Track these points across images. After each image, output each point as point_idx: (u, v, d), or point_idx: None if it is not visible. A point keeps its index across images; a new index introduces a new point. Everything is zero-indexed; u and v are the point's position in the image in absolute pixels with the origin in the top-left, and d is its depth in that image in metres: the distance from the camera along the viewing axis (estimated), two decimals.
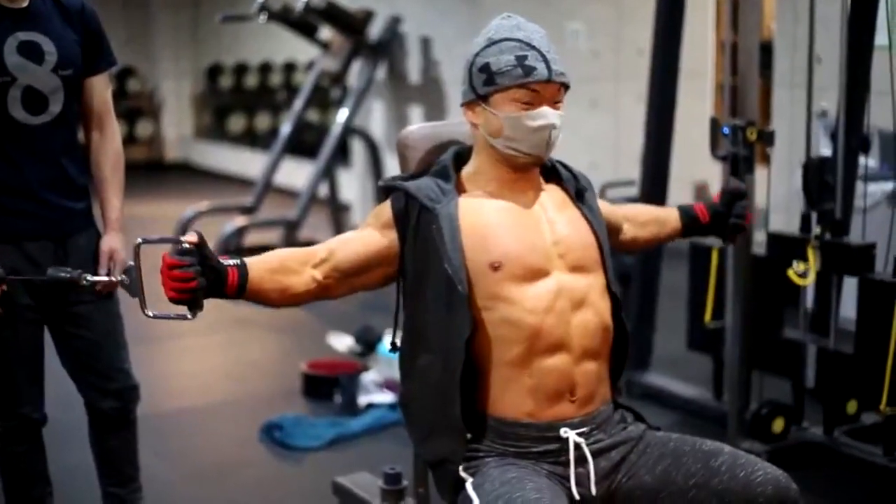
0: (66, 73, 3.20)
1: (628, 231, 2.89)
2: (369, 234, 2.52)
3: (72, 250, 3.26)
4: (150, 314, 2.36)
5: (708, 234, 3.05)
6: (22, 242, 3.19)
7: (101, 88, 3.36)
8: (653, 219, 2.96)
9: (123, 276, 2.40)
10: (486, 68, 2.49)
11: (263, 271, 2.40)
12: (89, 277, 2.56)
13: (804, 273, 4.14)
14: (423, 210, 2.47)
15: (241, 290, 2.37)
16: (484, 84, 2.49)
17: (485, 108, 2.50)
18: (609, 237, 2.71)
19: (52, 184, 3.22)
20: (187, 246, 2.26)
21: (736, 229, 2.99)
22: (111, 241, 3.32)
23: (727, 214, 2.97)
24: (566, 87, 2.52)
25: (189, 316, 2.31)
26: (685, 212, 2.98)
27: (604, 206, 2.79)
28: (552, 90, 2.48)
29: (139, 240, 2.36)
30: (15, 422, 3.31)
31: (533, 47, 2.48)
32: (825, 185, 4.20)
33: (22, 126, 3.16)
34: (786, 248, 4.31)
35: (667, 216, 2.98)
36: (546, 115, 2.47)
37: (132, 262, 2.40)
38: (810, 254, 4.14)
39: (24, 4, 3.16)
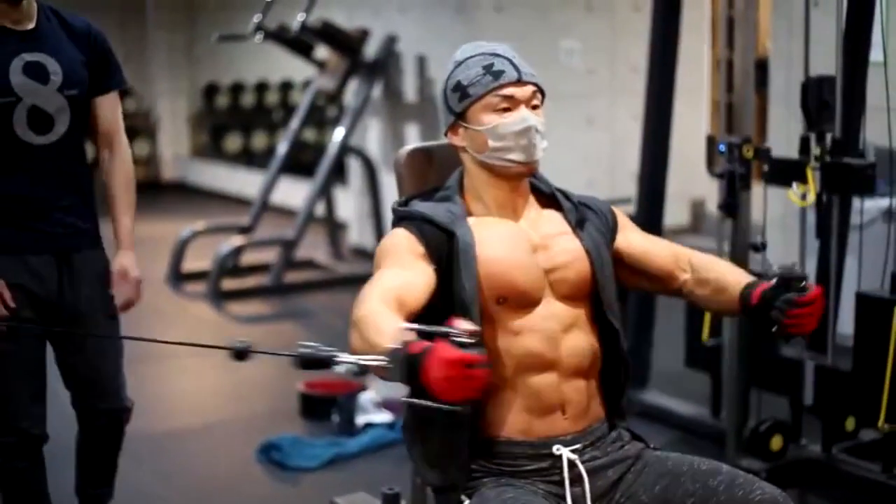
0: (72, 92, 3.23)
1: (687, 282, 2.64)
2: (422, 272, 2.41)
3: (78, 268, 3.30)
4: (420, 403, 2.06)
5: (760, 322, 2.49)
6: (26, 255, 3.22)
7: (110, 108, 3.39)
8: (714, 279, 2.60)
9: (388, 360, 2.11)
10: (458, 86, 2.52)
11: None
12: (342, 358, 2.17)
13: (804, 195, 4.05)
14: (446, 236, 2.46)
15: None
16: (459, 100, 2.52)
17: (466, 126, 2.52)
18: (648, 279, 2.68)
19: (57, 202, 3.25)
20: (468, 340, 2.04)
21: (780, 325, 2.43)
22: (123, 260, 3.36)
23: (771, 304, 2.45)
24: (542, 92, 2.54)
25: (461, 408, 2.07)
26: (746, 288, 2.52)
27: (660, 246, 2.70)
28: (526, 93, 2.50)
29: (405, 327, 2.14)
30: (14, 437, 3.32)
31: (498, 55, 2.52)
32: (824, 104, 4.07)
33: (27, 145, 3.19)
34: (785, 171, 4.15)
35: (729, 284, 2.56)
36: (525, 117, 2.48)
37: (398, 346, 2.07)
38: (809, 175, 4.04)
39: (31, 26, 3.21)
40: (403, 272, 2.39)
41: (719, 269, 2.64)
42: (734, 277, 2.58)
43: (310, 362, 2.21)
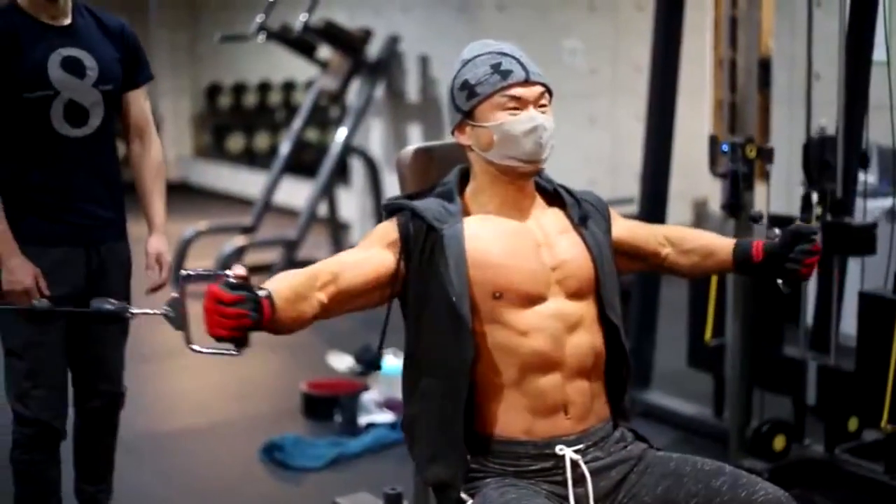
0: (107, 87, 3.35)
1: (669, 255, 2.78)
2: (376, 255, 2.47)
3: (104, 260, 3.38)
4: (197, 349, 2.27)
5: (762, 275, 2.76)
6: (56, 247, 3.30)
7: (140, 101, 3.51)
8: (699, 247, 2.79)
9: (167, 308, 2.29)
10: (465, 84, 2.51)
11: (282, 301, 2.29)
12: (133, 310, 2.42)
13: None
14: (430, 231, 2.46)
15: (270, 323, 2.27)
16: (466, 99, 2.51)
17: (473, 125, 2.51)
18: (641, 260, 2.76)
19: (90, 195, 3.35)
20: (235, 281, 2.18)
21: (793, 275, 2.71)
22: (157, 244, 3.49)
23: (784, 256, 2.70)
24: (550, 92, 2.53)
25: (236, 352, 2.22)
26: (739, 247, 2.75)
27: (639, 227, 2.79)
28: (534, 93, 2.50)
29: (184, 273, 2.30)
30: (34, 428, 3.35)
31: (505, 54, 2.52)
32: (826, 164, 4.09)
33: (63, 138, 3.29)
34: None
35: (716, 248, 2.79)
36: (534, 117, 2.48)
37: (176, 294, 2.30)
38: None
39: (68, 22, 3.32)
40: (358, 253, 2.48)
41: (698, 237, 2.82)
42: (717, 241, 2.81)
43: (102, 316, 2.41)
